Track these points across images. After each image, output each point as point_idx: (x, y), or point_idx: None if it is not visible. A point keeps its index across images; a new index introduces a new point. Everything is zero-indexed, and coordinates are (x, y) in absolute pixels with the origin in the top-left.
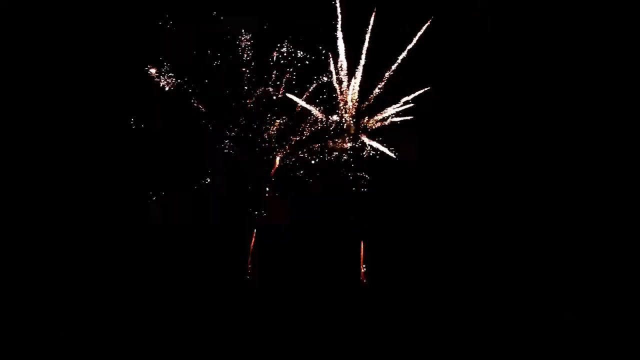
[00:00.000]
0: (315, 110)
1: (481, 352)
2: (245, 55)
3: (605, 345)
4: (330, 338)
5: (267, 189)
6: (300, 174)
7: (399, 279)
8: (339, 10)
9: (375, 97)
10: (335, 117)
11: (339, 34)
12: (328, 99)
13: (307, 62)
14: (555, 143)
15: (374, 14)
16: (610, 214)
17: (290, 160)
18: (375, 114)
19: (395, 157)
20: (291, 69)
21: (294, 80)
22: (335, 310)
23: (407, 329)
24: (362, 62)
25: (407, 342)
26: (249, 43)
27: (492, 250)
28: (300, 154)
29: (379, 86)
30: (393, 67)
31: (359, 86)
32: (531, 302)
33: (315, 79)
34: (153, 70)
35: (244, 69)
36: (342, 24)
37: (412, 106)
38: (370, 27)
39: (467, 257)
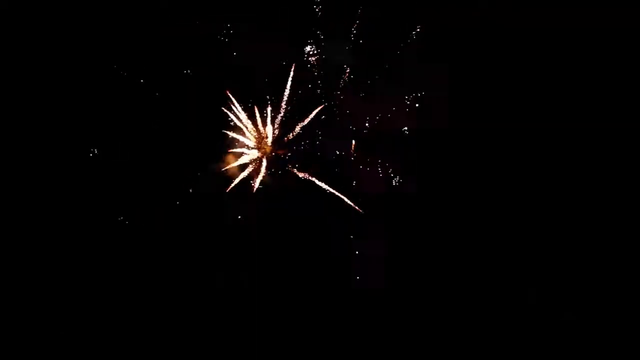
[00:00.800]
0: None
1: (481, 351)
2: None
3: (605, 345)
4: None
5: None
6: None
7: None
8: (318, 9)
9: (370, 99)
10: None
11: (328, 33)
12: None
13: (297, 63)
14: (558, 144)
15: (359, 11)
16: (610, 213)
17: (282, 167)
18: (370, 118)
19: (392, 160)
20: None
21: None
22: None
23: (404, 327)
24: (355, 64)
25: (404, 340)
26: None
27: (492, 250)
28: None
29: (374, 88)
30: (389, 69)
31: (353, 89)
32: (531, 302)
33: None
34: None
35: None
36: (336, 23)
37: (409, 108)
38: (365, 27)
39: (467, 256)
